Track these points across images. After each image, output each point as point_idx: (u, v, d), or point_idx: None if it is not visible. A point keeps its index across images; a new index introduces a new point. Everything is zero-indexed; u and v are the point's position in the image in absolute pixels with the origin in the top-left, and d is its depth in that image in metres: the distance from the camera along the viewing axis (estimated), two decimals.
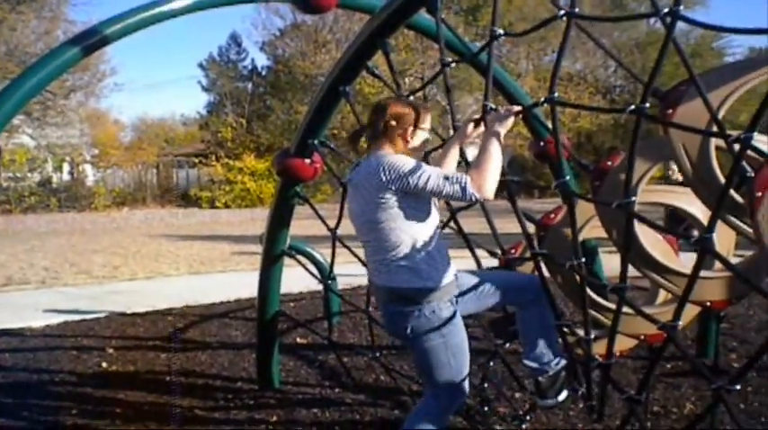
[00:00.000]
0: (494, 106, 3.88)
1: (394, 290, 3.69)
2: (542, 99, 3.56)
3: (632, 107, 3.04)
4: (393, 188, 3.52)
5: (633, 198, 3.32)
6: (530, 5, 43.31)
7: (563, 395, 4.13)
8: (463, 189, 3.45)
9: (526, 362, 4.10)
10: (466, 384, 3.88)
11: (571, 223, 3.69)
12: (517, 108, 3.83)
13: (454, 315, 3.76)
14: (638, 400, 3.38)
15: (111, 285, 13.98)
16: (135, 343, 8.82)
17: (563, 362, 4.07)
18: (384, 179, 3.51)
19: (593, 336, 3.98)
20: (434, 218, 3.78)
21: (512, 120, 3.77)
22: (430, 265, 3.68)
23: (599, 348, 4.22)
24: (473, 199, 3.50)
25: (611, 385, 3.92)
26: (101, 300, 11.93)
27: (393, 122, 3.74)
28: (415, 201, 3.61)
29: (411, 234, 3.63)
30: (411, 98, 4.47)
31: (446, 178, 3.47)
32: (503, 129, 3.72)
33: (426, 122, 3.87)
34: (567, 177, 3.67)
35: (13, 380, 7.36)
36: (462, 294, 3.90)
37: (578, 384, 4.17)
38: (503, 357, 5.05)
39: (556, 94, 3.42)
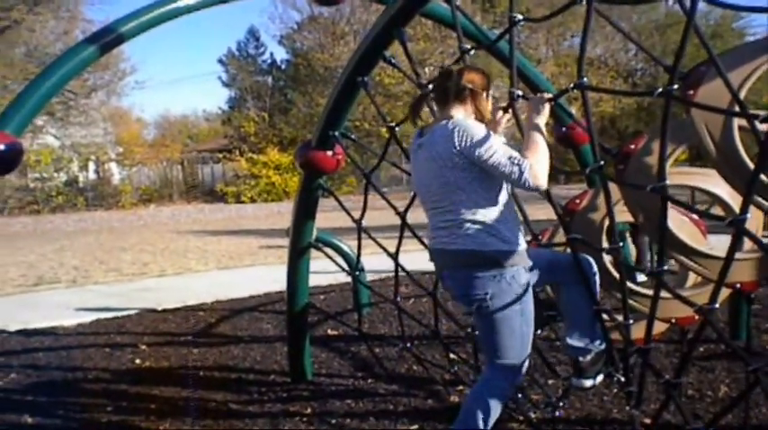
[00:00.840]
0: (521, 93, 3.88)
1: (475, 252, 3.62)
2: (572, 85, 3.55)
3: (660, 89, 3.03)
4: (463, 154, 3.51)
5: (666, 181, 3.30)
6: None
7: (600, 377, 4.12)
8: (521, 173, 3.44)
9: (569, 341, 4.08)
10: (527, 359, 3.88)
11: (607, 206, 3.68)
12: (548, 95, 3.82)
13: (529, 282, 3.76)
14: (676, 385, 3.36)
15: (141, 282, 14.07)
16: (167, 339, 8.88)
17: (604, 344, 4.05)
18: (457, 143, 3.50)
19: (631, 321, 3.98)
20: (502, 186, 3.75)
21: (548, 107, 3.76)
22: (509, 229, 3.67)
23: (635, 333, 4.22)
24: (527, 185, 3.48)
25: (649, 370, 3.91)
26: (131, 298, 12.02)
27: (469, 86, 3.74)
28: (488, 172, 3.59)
29: (490, 197, 3.62)
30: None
31: (510, 158, 3.46)
32: (542, 119, 3.72)
33: (491, 87, 3.90)
34: (602, 162, 3.65)
35: (48, 378, 7.43)
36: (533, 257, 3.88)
37: (615, 370, 4.16)
38: (535, 344, 5.04)
39: (585, 80, 3.41)
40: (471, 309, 3.78)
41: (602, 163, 3.62)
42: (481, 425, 3.83)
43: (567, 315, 4.11)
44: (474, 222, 3.60)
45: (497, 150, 3.47)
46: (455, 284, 3.83)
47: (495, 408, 3.86)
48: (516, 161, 3.45)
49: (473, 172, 3.55)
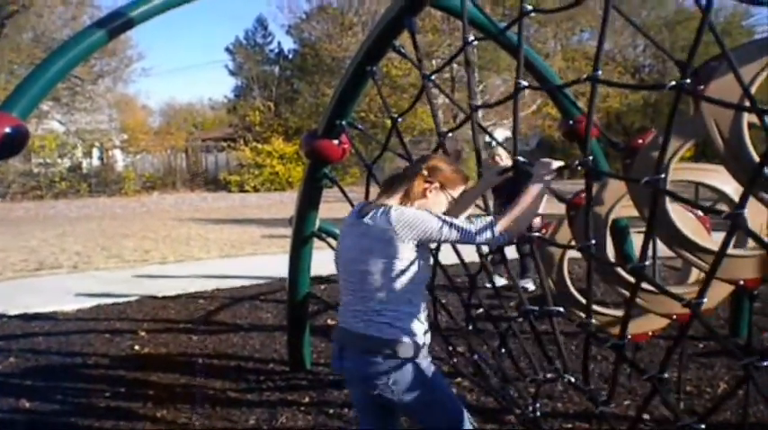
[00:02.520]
0: (526, 83, 3.82)
1: (381, 340, 3.47)
2: (584, 76, 3.49)
3: (672, 83, 2.98)
4: (406, 241, 3.36)
5: (662, 176, 3.26)
6: None
7: None
8: (492, 235, 3.37)
9: None
10: (457, 404, 3.75)
11: (586, 201, 3.62)
12: (561, 163, 3.68)
13: (431, 368, 3.63)
14: (660, 379, 3.33)
15: (143, 269, 14.06)
16: (167, 326, 8.88)
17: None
18: (399, 232, 3.35)
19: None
20: (427, 273, 3.65)
21: (556, 166, 3.57)
22: (414, 321, 3.53)
23: (632, 329, 4.18)
24: (503, 241, 3.43)
25: (628, 365, 3.87)
26: (132, 284, 12.01)
27: (425, 173, 3.61)
28: (419, 255, 3.45)
29: (404, 291, 3.45)
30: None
31: (469, 225, 3.39)
32: (546, 179, 3.52)
33: (457, 190, 3.71)
34: (591, 157, 3.58)
35: (46, 363, 7.43)
36: None
37: (564, 370, 4.05)
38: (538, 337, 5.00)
39: (600, 72, 3.37)
40: (373, 393, 3.65)
41: (590, 158, 3.56)
42: None
43: None
44: (382, 312, 3.46)
45: (454, 224, 3.38)
46: (354, 366, 3.62)
47: None
48: (478, 224, 3.39)
49: (399, 260, 3.40)
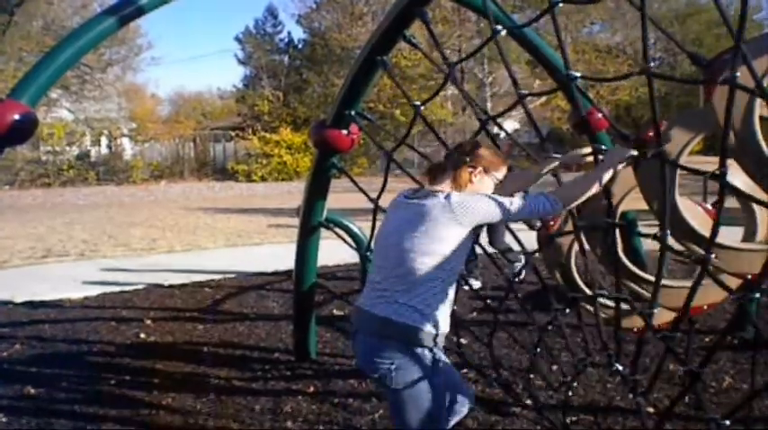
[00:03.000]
0: (578, 74, 3.77)
1: (391, 322, 3.43)
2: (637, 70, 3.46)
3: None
4: (464, 224, 3.36)
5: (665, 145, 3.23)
6: None
7: None
8: (552, 207, 3.45)
9: None
10: (442, 414, 3.66)
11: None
12: (634, 152, 3.68)
13: (441, 362, 3.59)
14: (698, 374, 3.30)
15: (150, 257, 14.08)
16: (173, 314, 8.88)
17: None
18: (457, 212, 3.34)
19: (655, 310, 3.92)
20: (462, 262, 3.63)
21: (629, 154, 3.61)
22: (440, 309, 3.51)
23: (656, 319, 4.17)
24: (559, 210, 3.50)
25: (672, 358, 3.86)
26: (139, 273, 12.01)
27: (474, 162, 3.60)
28: (466, 242, 3.45)
29: (439, 276, 3.44)
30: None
31: (531, 200, 3.44)
32: (616, 165, 3.59)
33: (500, 172, 3.71)
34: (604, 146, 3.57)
35: (53, 350, 7.44)
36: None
37: (616, 359, 4.07)
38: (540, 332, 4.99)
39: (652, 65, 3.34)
40: (374, 376, 3.61)
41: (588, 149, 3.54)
42: None
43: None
44: (407, 297, 3.43)
45: (511, 202, 3.40)
46: (363, 348, 3.61)
47: None
48: (536, 198, 3.44)
49: (442, 248, 3.38)
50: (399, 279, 3.46)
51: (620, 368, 4.01)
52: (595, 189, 3.52)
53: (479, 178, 3.60)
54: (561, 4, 3.75)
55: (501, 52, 4.48)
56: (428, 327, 3.45)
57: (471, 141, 3.83)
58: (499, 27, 4.23)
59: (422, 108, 5.05)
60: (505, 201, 3.40)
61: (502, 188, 3.77)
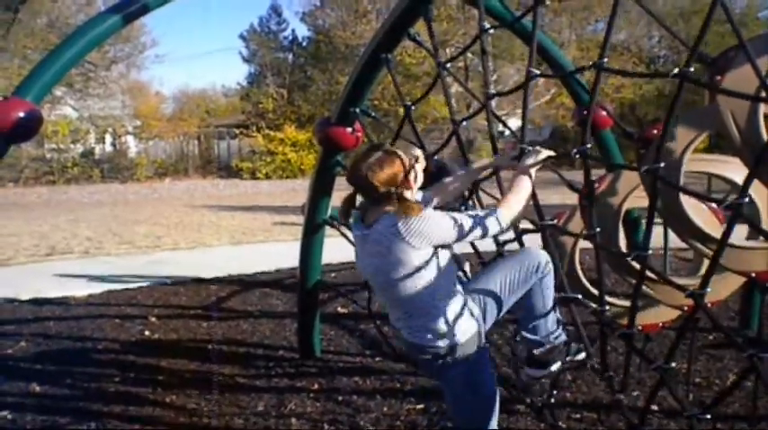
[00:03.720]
0: (538, 72, 3.79)
1: (426, 347, 3.49)
2: (590, 63, 3.48)
3: (676, 70, 2.98)
4: (418, 247, 3.28)
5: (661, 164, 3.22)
6: None
7: (555, 366, 3.98)
8: (499, 224, 3.38)
9: (524, 333, 3.90)
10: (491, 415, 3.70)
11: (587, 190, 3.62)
12: (548, 153, 3.62)
13: (484, 354, 3.64)
14: (667, 369, 3.31)
15: (154, 255, 14.08)
16: (177, 312, 8.90)
17: (563, 337, 3.91)
18: (408, 240, 3.26)
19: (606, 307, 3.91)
20: (453, 266, 3.59)
21: (543, 156, 3.60)
22: (456, 320, 3.49)
23: (642, 319, 4.17)
24: (501, 229, 3.42)
25: (636, 355, 3.86)
26: (143, 270, 12.02)
27: (387, 188, 3.40)
28: (437, 254, 3.38)
29: (434, 293, 3.41)
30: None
31: (474, 218, 3.37)
32: (534, 165, 3.59)
33: (420, 162, 3.58)
34: (589, 145, 3.55)
35: (58, 348, 7.46)
36: (485, 312, 3.69)
37: (588, 357, 4.05)
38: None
39: (605, 60, 3.36)
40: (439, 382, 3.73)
41: (588, 146, 3.53)
42: None
43: (523, 307, 3.87)
44: (419, 318, 3.46)
45: (462, 221, 3.34)
46: (425, 370, 3.83)
47: None
48: (483, 217, 3.37)
49: (423, 265, 3.34)
50: (400, 307, 3.52)
51: (596, 365, 4.00)
52: (527, 194, 3.51)
53: (410, 188, 3.49)
54: (548, 2, 3.79)
55: (483, 50, 4.46)
56: (448, 342, 3.46)
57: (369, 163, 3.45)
58: (487, 25, 4.24)
59: (413, 108, 5.09)
60: (457, 222, 3.33)
61: (441, 188, 3.92)
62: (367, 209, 3.53)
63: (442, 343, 3.45)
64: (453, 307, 3.49)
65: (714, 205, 4.59)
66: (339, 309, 8.63)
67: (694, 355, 5.78)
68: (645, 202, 4.32)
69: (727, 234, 2.92)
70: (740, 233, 3.96)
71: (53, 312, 9.03)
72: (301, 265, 6.64)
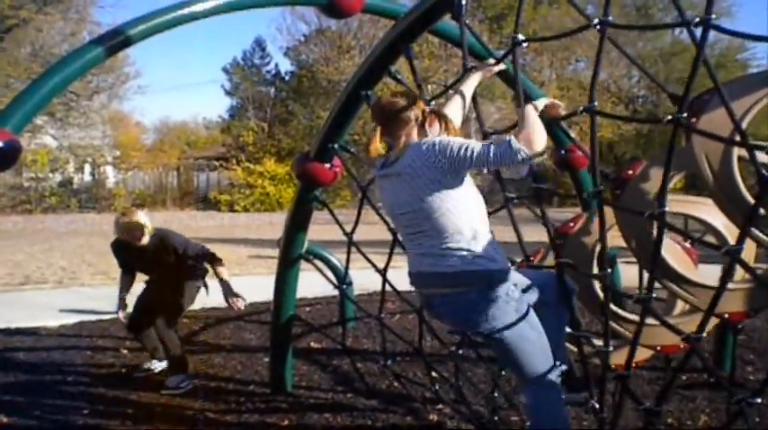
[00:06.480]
0: (471, 63, 3.89)
1: (466, 273, 3.51)
2: (581, 108, 3.50)
3: (669, 117, 2.99)
4: (446, 168, 3.44)
5: (665, 208, 3.23)
6: (555, 15, 43.13)
7: None
8: (510, 148, 3.33)
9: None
10: (551, 356, 3.73)
11: (601, 231, 3.62)
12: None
13: (523, 297, 3.69)
14: (657, 412, 3.31)
15: None
16: None
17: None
18: (436, 161, 3.44)
19: (611, 348, 3.92)
20: (481, 199, 3.71)
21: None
22: (493, 248, 3.59)
23: (616, 359, 4.17)
24: (523, 155, 3.32)
25: (628, 397, 3.85)
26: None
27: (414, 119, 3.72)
28: (465, 182, 3.57)
29: (469, 217, 3.54)
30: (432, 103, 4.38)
31: (488, 143, 3.41)
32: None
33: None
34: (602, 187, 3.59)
35: (27, 379, 7.36)
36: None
37: (590, 396, 4.06)
38: None
39: (596, 103, 3.38)
40: (470, 331, 3.72)
41: (601, 188, 3.57)
42: None
43: None
44: (459, 244, 3.50)
45: (475, 145, 3.41)
46: (448, 310, 3.69)
47: (560, 417, 3.79)
48: (496, 143, 3.40)
49: (454, 190, 3.50)
50: (426, 237, 3.59)
51: (597, 405, 4.00)
52: (535, 120, 3.45)
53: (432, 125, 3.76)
54: (526, 44, 3.86)
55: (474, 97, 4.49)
56: (492, 266, 3.55)
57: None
58: (471, 64, 4.30)
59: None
60: (470, 145, 3.43)
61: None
62: (389, 152, 3.79)
63: (493, 266, 3.53)
64: (487, 234, 3.61)
65: (688, 245, 4.62)
66: (312, 343, 8.58)
67: (667, 395, 5.78)
68: (620, 242, 4.34)
69: (724, 280, 2.93)
70: (714, 274, 3.96)
71: (23, 342, 8.92)
72: (275, 299, 6.61)
